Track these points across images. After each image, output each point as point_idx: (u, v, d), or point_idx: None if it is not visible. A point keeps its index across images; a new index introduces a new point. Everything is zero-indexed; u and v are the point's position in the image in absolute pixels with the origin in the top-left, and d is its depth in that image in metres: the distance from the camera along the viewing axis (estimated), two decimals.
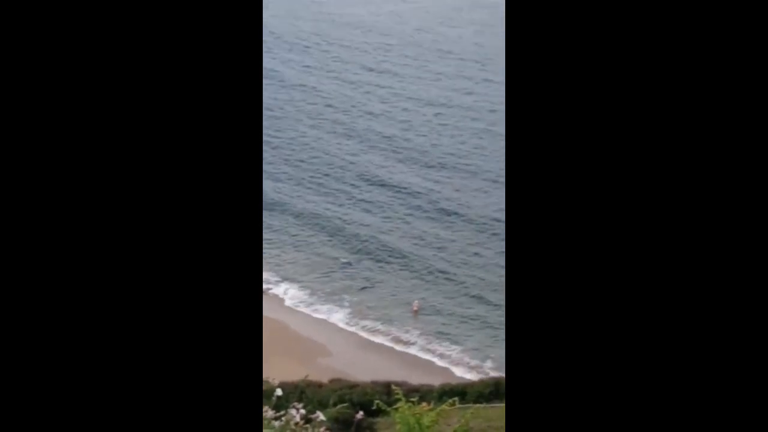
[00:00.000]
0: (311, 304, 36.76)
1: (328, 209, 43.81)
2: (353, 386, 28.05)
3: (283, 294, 36.72)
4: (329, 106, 54.95)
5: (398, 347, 34.35)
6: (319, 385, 27.39)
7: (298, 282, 38.01)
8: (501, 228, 41.38)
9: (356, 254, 40.08)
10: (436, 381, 29.62)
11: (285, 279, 37.76)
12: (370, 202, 44.61)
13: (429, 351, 34.10)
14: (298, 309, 36.35)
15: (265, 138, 39.98)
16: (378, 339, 34.83)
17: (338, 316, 36.05)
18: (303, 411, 4.82)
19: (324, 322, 35.72)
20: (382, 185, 45.97)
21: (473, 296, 37.18)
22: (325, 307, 36.56)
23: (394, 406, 5.37)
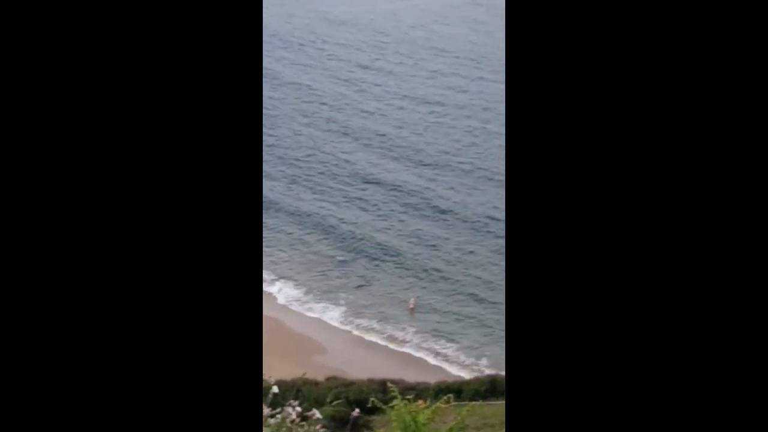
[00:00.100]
0: (306, 302, 36.79)
1: (322, 207, 43.81)
2: (349, 384, 28.08)
3: (278, 292, 36.73)
4: (324, 104, 54.93)
5: (394, 345, 34.38)
6: (316, 383, 27.41)
7: (294, 280, 38.02)
8: (496, 226, 41.43)
9: (351, 252, 40.09)
10: (432, 379, 29.66)
11: (280, 277, 37.76)
12: (364, 200, 44.62)
13: (425, 349, 34.14)
14: (294, 307, 36.36)
15: None
16: (373, 337, 34.87)
17: (334, 315, 36.07)
18: (299, 409, 4.82)
19: (319, 321, 35.75)
20: (377, 183, 45.97)
21: (469, 294, 37.21)
22: (320, 306, 36.58)
23: (390, 404, 5.37)
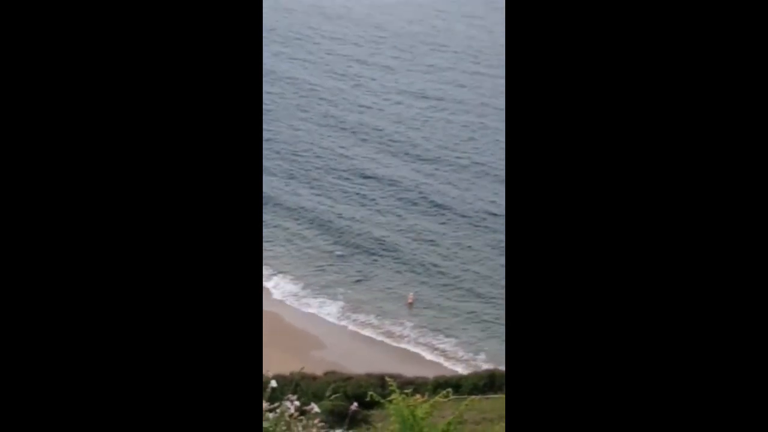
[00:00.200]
0: (305, 297, 36.83)
1: (320, 203, 43.82)
2: (348, 379, 28.13)
3: (276, 287, 36.76)
4: (321, 99, 54.92)
5: (392, 340, 34.43)
6: (314, 378, 27.46)
7: (292, 275, 38.05)
8: (493, 221, 41.47)
9: (349, 248, 40.11)
10: (430, 373, 29.71)
11: (278, 272, 37.80)
12: (362, 195, 44.63)
13: (422, 344, 34.19)
14: (292, 302, 36.40)
15: None
16: (372, 332, 34.91)
17: (331, 309, 36.11)
18: (297, 403, 4.83)
19: (317, 315, 35.79)
20: (375, 178, 45.98)
21: (467, 290, 37.25)
22: (318, 301, 36.62)
23: (388, 398, 5.37)
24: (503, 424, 3.49)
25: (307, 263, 39.02)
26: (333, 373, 29.67)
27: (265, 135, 47.51)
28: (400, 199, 44.22)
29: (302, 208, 43.23)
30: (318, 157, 48.27)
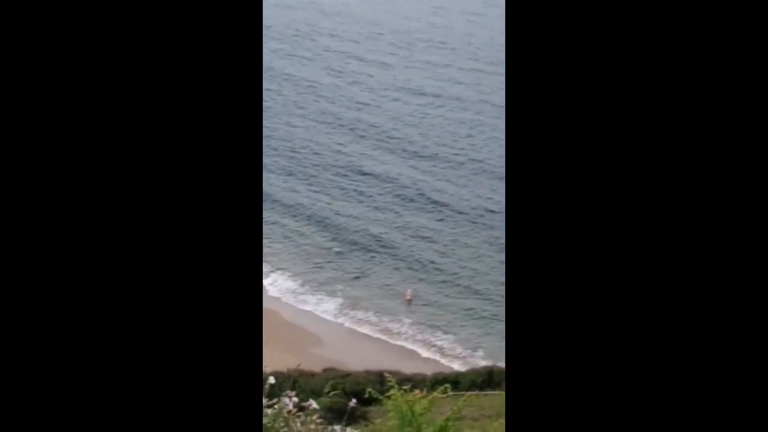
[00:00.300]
0: (302, 294, 36.82)
1: (318, 200, 43.81)
2: (346, 375, 28.13)
3: (274, 284, 36.75)
4: (319, 96, 54.88)
5: (390, 337, 34.43)
6: (312, 375, 27.46)
7: (290, 272, 38.03)
8: (490, 218, 41.47)
9: (347, 245, 40.11)
10: (428, 370, 29.72)
11: (276, 269, 37.78)
12: (360, 192, 44.61)
13: (420, 341, 34.20)
14: (290, 299, 36.39)
15: None
16: (370, 329, 34.91)
17: (329, 306, 36.10)
18: (296, 399, 4.83)
19: (315, 312, 35.78)
20: (372, 175, 45.96)
21: (464, 287, 37.25)
22: (316, 297, 36.61)
23: (387, 394, 5.37)
24: (502, 421, 3.50)
25: (305, 260, 39.01)
26: (331, 369, 29.67)
27: (263, 132, 47.43)
28: (397, 195, 44.21)
29: (300, 204, 43.21)
30: (315, 153, 48.24)
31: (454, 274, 38.14)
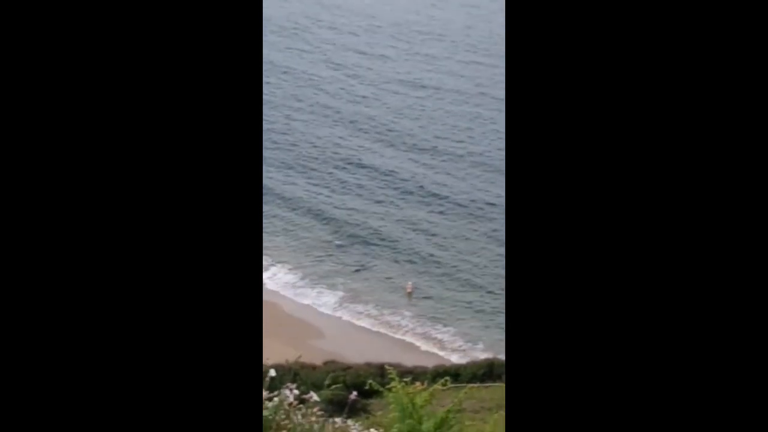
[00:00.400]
0: (302, 287, 36.87)
1: (318, 193, 43.82)
2: (347, 368, 28.19)
3: (275, 277, 36.79)
4: (318, 89, 54.84)
5: (391, 330, 34.49)
6: (313, 367, 27.52)
7: (290, 265, 38.07)
8: (490, 210, 41.49)
9: (347, 238, 40.13)
10: (428, 363, 29.78)
11: (276, 262, 37.82)
12: (359, 185, 44.62)
13: (421, 334, 34.25)
14: (290, 292, 36.44)
15: None
16: (370, 322, 34.97)
17: (330, 300, 36.15)
18: (297, 392, 4.84)
19: (316, 305, 35.83)
20: (372, 168, 45.96)
21: (464, 280, 37.28)
22: (316, 291, 36.65)
23: (388, 387, 5.38)
24: (502, 413, 3.51)
25: (305, 253, 39.05)
26: (332, 362, 29.73)
27: (263, 125, 47.38)
28: (397, 189, 44.22)
29: (299, 198, 43.22)
30: (315, 147, 48.23)
31: (454, 267, 38.18)
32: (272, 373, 4.76)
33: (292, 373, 6.18)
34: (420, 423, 5.19)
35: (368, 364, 28.14)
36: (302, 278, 37.35)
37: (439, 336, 34.19)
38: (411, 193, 43.88)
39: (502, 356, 28.54)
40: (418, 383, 5.58)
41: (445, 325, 34.66)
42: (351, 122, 50.84)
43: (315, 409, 5.09)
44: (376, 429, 5.94)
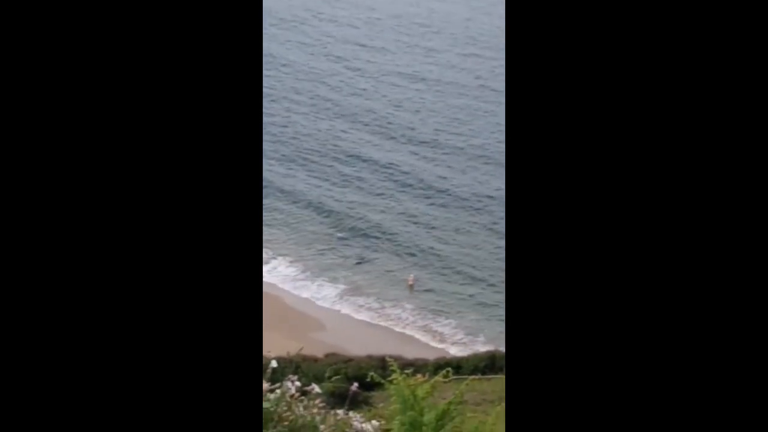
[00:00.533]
0: (303, 280, 36.89)
1: (318, 186, 43.80)
2: (348, 361, 28.24)
3: (275, 270, 36.80)
4: (318, 82, 54.77)
5: (392, 323, 34.52)
6: (315, 360, 27.57)
7: (290, 258, 38.09)
8: (489, 203, 41.47)
9: (347, 231, 40.13)
10: (430, 356, 29.80)
11: (278, 255, 37.83)
12: (360, 178, 44.60)
13: (422, 326, 34.29)
14: (291, 285, 36.46)
15: None
16: (371, 315, 35.00)
17: (331, 292, 36.17)
18: (298, 383, 4.84)
19: (317, 298, 35.86)
20: (372, 162, 45.92)
21: (465, 273, 37.30)
22: (317, 283, 36.67)
23: (389, 379, 5.39)
24: (504, 405, 3.51)
25: (306, 246, 39.06)
26: (333, 355, 29.77)
27: (263, 118, 47.30)
28: (397, 182, 44.20)
29: (299, 191, 43.21)
30: (315, 140, 48.19)
31: (455, 260, 38.19)
32: (274, 365, 4.77)
33: (294, 365, 6.19)
34: (421, 415, 5.20)
35: (369, 357, 28.18)
36: (303, 271, 37.37)
37: (440, 329, 34.22)
38: (411, 185, 43.86)
39: (503, 349, 28.56)
40: (419, 375, 5.59)
41: (446, 318, 34.69)
42: (351, 115, 50.78)
43: (316, 401, 5.09)
44: (377, 421, 5.95)
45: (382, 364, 21.95)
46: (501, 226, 37.34)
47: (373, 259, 38.32)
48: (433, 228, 40.47)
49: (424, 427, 5.17)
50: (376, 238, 39.68)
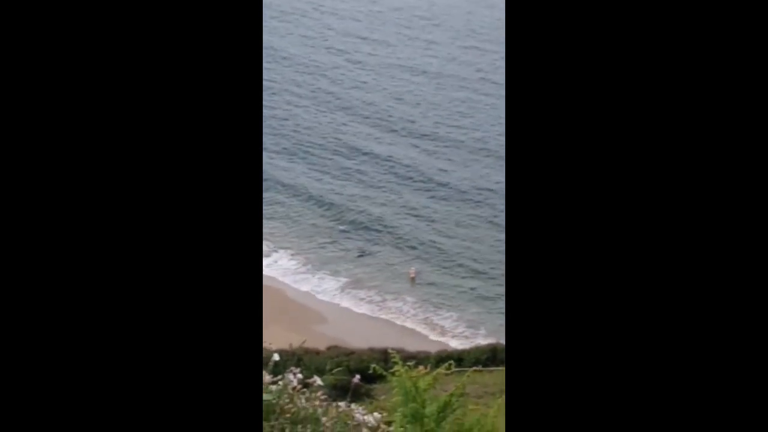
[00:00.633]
0: (305, 273, 36.91)
1: (318, 179, 43.78)
2: (350, 353, 28.28)
3: (276, 263, 36.82)
4: (319, 75, 54.69)
5: (393, 316, 34.55)
6: (316, 352, 27.62)
7: (292, 251, 38.10)
8: (489, 196, 41.45)
9: (349, 225, 40.13)
10: (431, 349, 29.83)
11: (279, 248, 37.85)
12: (361, 172, 44.58)
13: (423, 320, 34.32)
14: (293, 278, 36.49)
15: None
16: (373, 308, 35.03)
17: (332, 285, 36.20)
18: (300, 376, 4.86)
19: (318, 291, 35.88)
20: (373, 155, 45.90)
21: (466, 266, 37.31)
22: (318, 276, 36.70)
23: (391, 371, 5.40)
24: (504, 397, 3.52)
25: (307, 240, 39.07)
26: (335, 347, 29.82)
27: (263, 112, 47.35)
28: (397, 175, 44.18)
29: (300, 184, 43.19)
30: (316, 133, 48.15)
31: (456, 253, 38.20)
32: (276, 357, 4.79)
33: (296, 357, 6.20)
34: (423, 407, 5.21)
35: (371, 349, 28.21)
36: (304, 264, 37.40)
37: (442, 322, 34.26)
38: (412, 179, 43.84)
39: (504, 341, 28.60)
40: (421, 368, 5.60)
41: (447, 311, 34.73)
42: (352, 108, 50.73)
43: (318, 394, 5.11)
44: (379, 413, 5.97)
45: (383, 356, 21.98)
46: (502, 219, 37.32)
47: (375, 252, 38.33)
48: (434, 221, 40.47)
49: (425, 419, 5.18)
50: (377, 231, 39.68)
